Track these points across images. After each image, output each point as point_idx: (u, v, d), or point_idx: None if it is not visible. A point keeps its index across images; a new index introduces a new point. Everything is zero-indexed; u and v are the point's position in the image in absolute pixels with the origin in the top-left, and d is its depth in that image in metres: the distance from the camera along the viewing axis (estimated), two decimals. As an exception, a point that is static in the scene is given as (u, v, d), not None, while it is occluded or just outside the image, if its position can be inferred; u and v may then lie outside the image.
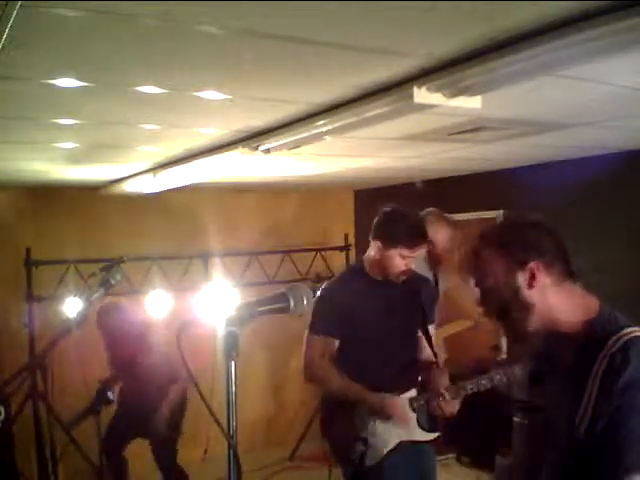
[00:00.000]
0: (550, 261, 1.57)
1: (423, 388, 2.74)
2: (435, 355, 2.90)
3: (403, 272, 2.75)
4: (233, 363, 1.51)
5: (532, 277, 1.56)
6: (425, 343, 2.90)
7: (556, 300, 1.57)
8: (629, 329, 1.48)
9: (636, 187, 4.07)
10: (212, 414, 1.50)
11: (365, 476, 2.67)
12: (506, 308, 1.60)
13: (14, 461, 4.32)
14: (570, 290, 1.59)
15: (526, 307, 1.57)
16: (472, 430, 4.10)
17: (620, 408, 1.42)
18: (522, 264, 1.56)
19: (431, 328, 2.94)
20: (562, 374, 1.61)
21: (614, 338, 1.46)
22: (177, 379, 4.25)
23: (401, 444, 2.73)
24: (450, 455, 4.82)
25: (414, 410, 2.70)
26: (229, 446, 1.50)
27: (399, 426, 2.70)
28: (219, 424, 1.48)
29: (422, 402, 2.70)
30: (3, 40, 1.54)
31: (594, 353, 1.47)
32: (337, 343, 2.81)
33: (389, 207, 2.81)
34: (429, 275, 4.00)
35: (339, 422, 2.78)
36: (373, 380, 2.71)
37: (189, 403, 4.42)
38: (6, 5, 1.35)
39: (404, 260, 2.71)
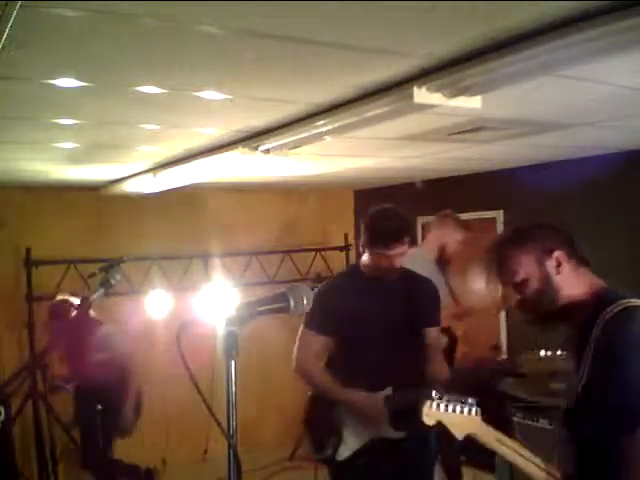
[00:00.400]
0: (569, 249, 1.78)
1: (408, 386, 2.68)
2: (428, 356, 2.86)
3: (388, 271, 2.76)
4: (233, 363, 1.51)
5: (559, 264, 1.76)
6: (428, 341, 2.87)
7: (574, 283, 1.77)
8: (625, 300, 1.65)
9: (636, 187, 4.07)
10: (212, 414, 1.50)
11: (338, 470, 2.79)
12: (539, 296, 1.76)
13: (14, 461, 4.32)
14: (584, 273, 1.80)
15: (555, 291, 1.75)
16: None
17: (608, 367, 1.59)
18: (550, 252, 1.76)
19: (432, 330, 2.90)
20: (574, 345, 1.78)
21: (610, 307, 1.64)
22: (133, 379, 4.24)
23: (375, 442, 2.75)
24: (450, 455, 4.81)
25: (389, 408, 2.68)
26: (229, 446, 1.50)
27: (372, 424, 2.72)
28: (219, 424, 1.48)
29: (409, 400, 2.66)
30: (3, 40, 1.54)
31: (594, 321, 1.66)
32: (329, 340, 2.85)
33: (376, 207, 2.82)
34: (439, 276, 4.02)
35: (320, 418, 2.84)
36: (362, 377, 2.73)
37: (189, 403, 4.41)
38: (6, 5, 1.35)
39: (385, 259, 2.72)
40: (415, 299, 2.85)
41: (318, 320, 2.79)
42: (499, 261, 1.81)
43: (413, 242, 2.83)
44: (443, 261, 4.14)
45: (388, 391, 2.71)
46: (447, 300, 4.12)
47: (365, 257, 2.83)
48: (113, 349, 4.24)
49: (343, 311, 2.77)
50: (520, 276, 1.76)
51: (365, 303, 2.80)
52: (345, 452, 2.76)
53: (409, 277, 2.90)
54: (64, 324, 4.14)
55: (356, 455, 2.76)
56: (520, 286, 1.78)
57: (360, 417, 2.73)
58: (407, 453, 2.79)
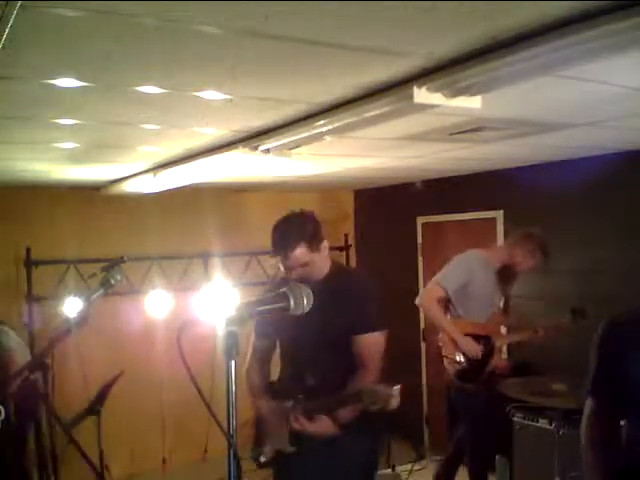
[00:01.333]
0: None
1: (317, 396, 2.59)
2: (362, 363, 2.68)
3: (296, 279, 2.60)
4: (233, 363, 1.51)
5: None
6: (356, 349, 2.70)
7: None
8: None
9: (636, 187, 4.07)
10: (212, 414, 1.50)
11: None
12: None
13: (21, 460, 4.32)
14: None
15: None
16: (472, 430, 4.10)
17: None
18: None
19: (362, 337, 2.68)
20: None
21: None
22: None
23: (276, 453, 2.76)
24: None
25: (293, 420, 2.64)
26: (229, 446, 1.50)
27: (275, 434, 2.72)
28: (219, 424, 1.48)
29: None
30: (3, 40, 1.54)
31: None
32: (270, 343, 2.88)
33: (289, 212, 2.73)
34: (494, 285, 4.01)
35: (258, 423, 2.88)
36: (284, 384, 2.78)
37: (189, 403, 4.41)
38: (6, 5, 1.35)
39: (285, 269, 2.65)
40: (340, 308, 2.67)
41: (260, 324, 2.81)
42: None
43: (314, 249, 2.62)
44: (505, 275, 4.05)
45: (290, 403, 2.65)
46: (495, 310, 4.13)
47: None
48: None
49: (273, 318, 2.63)
50: None
51: None
52: (263, 458, 2.82)
53: (338, 287, 2.72)
54: None
55: (269, 463, 2.82)
56: None
57: (267, 427, 2.76)
58: (303, 469, 2.70)
